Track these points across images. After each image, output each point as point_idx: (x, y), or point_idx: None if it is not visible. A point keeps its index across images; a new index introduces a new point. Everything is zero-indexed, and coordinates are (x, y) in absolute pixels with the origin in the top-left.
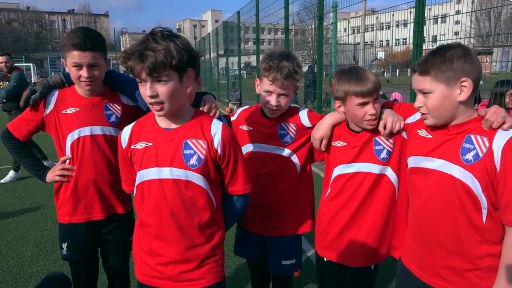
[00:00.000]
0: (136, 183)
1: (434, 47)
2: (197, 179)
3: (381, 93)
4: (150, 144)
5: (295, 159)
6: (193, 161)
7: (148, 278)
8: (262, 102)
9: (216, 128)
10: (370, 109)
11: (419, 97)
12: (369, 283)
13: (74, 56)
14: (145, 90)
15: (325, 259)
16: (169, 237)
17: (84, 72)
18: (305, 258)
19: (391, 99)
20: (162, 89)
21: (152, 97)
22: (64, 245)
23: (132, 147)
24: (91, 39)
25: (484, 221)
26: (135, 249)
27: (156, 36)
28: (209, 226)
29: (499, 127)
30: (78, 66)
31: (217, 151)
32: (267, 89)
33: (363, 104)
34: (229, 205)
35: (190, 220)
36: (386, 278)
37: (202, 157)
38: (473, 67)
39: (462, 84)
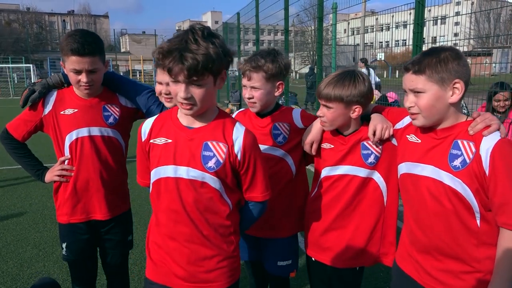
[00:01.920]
0: (153, 180)
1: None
2: (213, 181)
3: (380, 95)
4: (170, 140)
5: (289, 160)
6: (211, 163)
7: (162, 277)
8: (243, 97)
9: (238, 132)
10: (319, 110)
11: (411, 97)
12: (355, 283)
13: (73, 62)
14: (177, 90)
15: (313, 258)
16: (184, 236)
17: (83, 77)
18: (303, 258)
19: (389, 100)
20: (198, 91)
21: (186, 99)
22: (64, 245)
23: (151, 141)
24: (89, 44)
25: (478, 224)
26: (152, 247)
27: (196, 35)
28: (225, 227)
29: (483, 130)
30: (77, 72)
31: (236, 156)
32: (242, 83)
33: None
34: (245, 210)
35: (205, 220)
36: (386, 279)
37: (221, 160)
38: (465, 69)
39: (454, 85)
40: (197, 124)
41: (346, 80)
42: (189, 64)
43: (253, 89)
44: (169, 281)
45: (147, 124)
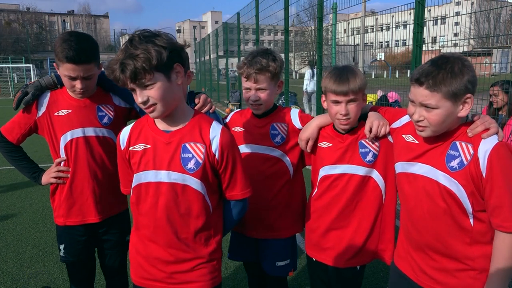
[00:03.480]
0: (133, 185)
1: (434, 48)
2: (194, 183)
3: (382, 94)
4: (148, 146)
5: (287, 161)
6: (191, 165)
7: (143, 280)
8: (245, 100)
9: (215, 132)
10: (341, 109)
11: (421, 111)
12: (356, 283)
13: (67, 69)
14: (136, 98)
15: (313, 259)
16: (164, 240)
17: (78, 84)
18: (303, 258)
19: (390, 100)
20: (152, 92)
21: (144, 103)
22: (61, 247)
23: (130, 148)
24: (85, 52)
25: (472, 223)
26: (131, 251)
27: (134, 41)
28: (205, 230)
29: (482, 132)
30: (72, 78)
31: (214, 155)
32: (245, 86)
33: (336, 102)
34: (227, 210)
35: (185, 224)
36: (386, 279)
37: (200, 161)
38: (475, 81)
39: (465, 100)
40: (174, 127)
41: (354, 71)
42: (129, 71)
43: (259, 90)
44: (150, 284)
45: (124, 132)
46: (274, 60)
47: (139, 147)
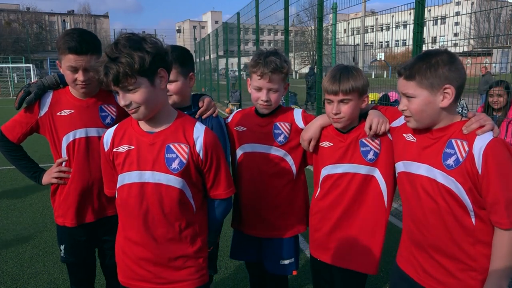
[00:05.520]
0: (117, 186)
1: (434, 48)
2: (178, 183)
3: (383, 93)
4: (132, 147)
5: (290, 161)
6: (175, 165)
7: (130, 281)
8: (253, 99)
9: (199, 132)
10: (332, 108)
11: (404, 100)
12: (360, 283)
13: (69, 60)
14: (120, 100)
15: (317, 259)
16: (149, 240)
17: (80, 76)
18: (305, 258)
19: (391, 99)
20: (134, 96)
21: (126, 106)
22: (62, 247)
23: (114, 150)
24: (87, 43)
25: (473, 222)
26: (117, 252)
27: (119, 44)
28: (190, 229)
29: (477, 129)
30: (74, 70)
31: (199, 155)
32: (256, 85)
33: (329, 101)
34: (211, 209)
35: (170, 224)
36: (386, 279)
37: (184, 161)
38: (457, 74)
39: (445, 91)
40: (158, 128)
41: (351, 72)
42: (111, 75)
43: (271, 91)
44: (138, 285)
45: (108, 134)
46: (285, 62)
47: (122, 148)
